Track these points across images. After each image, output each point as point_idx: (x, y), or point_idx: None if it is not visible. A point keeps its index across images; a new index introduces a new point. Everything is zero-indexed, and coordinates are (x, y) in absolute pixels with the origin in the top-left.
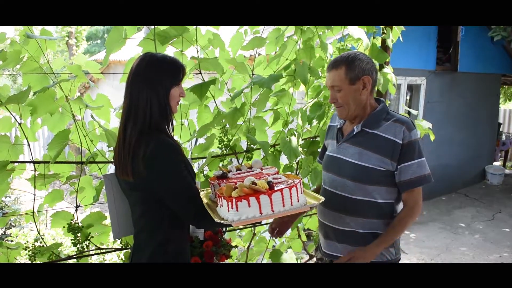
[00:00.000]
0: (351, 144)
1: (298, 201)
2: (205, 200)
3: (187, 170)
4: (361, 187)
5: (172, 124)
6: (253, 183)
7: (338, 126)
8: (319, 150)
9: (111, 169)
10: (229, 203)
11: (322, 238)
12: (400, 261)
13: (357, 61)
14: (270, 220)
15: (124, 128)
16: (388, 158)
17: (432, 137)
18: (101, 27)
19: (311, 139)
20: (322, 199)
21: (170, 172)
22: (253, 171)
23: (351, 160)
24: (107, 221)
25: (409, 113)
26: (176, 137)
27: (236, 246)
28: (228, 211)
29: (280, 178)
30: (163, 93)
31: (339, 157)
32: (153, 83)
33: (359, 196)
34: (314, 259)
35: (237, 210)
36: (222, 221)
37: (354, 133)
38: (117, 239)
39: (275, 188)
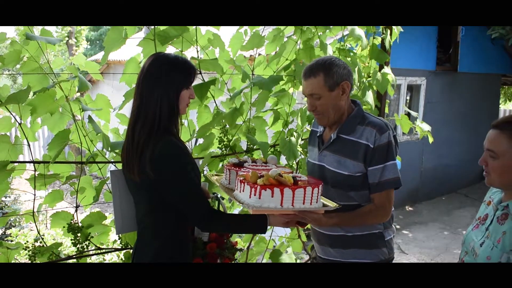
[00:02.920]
0: (329, 152)
1: (316, 202)
2: (217, 184)
3: (194, 172)
4: (343, 193)
5: (179, 126)
6: (280, 175)
7: (318, 134)
8: None
9: (111, 168)
10: (253, 189)
11: (316, 244)
12: (398, 261)
13: (335, 67)
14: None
15: (133, 127)
16: (362, 163)
17: (430, 140)
18: (100, 31)
19: None
20: (338, 205)
21: (177, 174)
22: (267, 166)
23: (330, 168)
24: (107, 221)
25: (408, 114)
26: None
27: (241, 249)
28: (250, 197)
29: (301, 177)
30: (173, 94)
31: (320, 165)
32: (165, 84)
33: (342, 202)
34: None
35: (259, 198)
36: (243, 205)
37: (331, 140)
38: (117, 239)
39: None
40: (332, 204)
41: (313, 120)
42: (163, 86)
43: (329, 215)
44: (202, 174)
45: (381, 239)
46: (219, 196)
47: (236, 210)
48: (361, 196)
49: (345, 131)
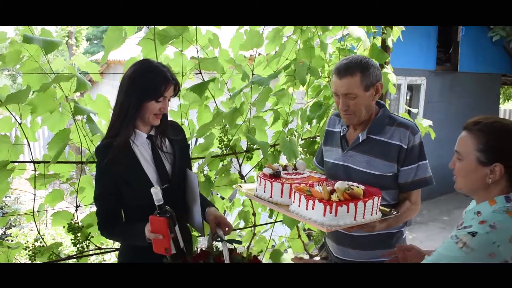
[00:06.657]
0: (357, 152)
1: (379, 211)
2: (254, 198)
3: (104, 176)
4: None
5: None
6: (351, 187)
7: (341, 134)
8: None
9: None
10: (328, 206)
11: (333, 244)
12: None
13: (371, 68)
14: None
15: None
16: (395, 163)
17: (432, 135)
18: (100, 29)
19: (311, 139)
20: (395, 212)
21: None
22: (300, 173)
23: (359, 169)
24: None
25: (409, 112)
26: None
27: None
28: (325, 215)
29: (359, 186)
30: (134, 103)
31: (346, 165)
32: (130, 92)
33: None
34: (317, 258)
35: (335, 215)
36: (314, 223)
37: (360, 141)
38: None
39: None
40: (386, 209)
41: (324, 117)
42: (128, 94)
43: (379, 222)
44: (202, 174)
45: (400, 237)
46: (224, 238)
47: (236, 210)
48: (390, 194)
49: (374, 132)
